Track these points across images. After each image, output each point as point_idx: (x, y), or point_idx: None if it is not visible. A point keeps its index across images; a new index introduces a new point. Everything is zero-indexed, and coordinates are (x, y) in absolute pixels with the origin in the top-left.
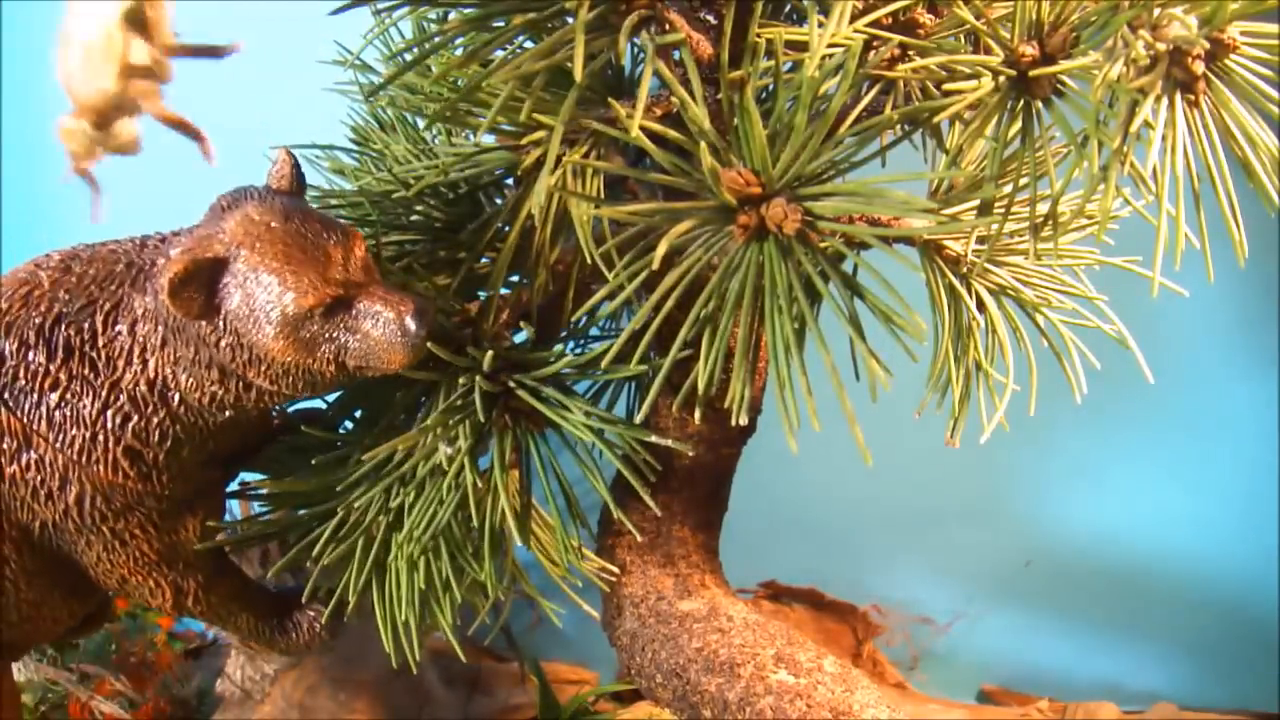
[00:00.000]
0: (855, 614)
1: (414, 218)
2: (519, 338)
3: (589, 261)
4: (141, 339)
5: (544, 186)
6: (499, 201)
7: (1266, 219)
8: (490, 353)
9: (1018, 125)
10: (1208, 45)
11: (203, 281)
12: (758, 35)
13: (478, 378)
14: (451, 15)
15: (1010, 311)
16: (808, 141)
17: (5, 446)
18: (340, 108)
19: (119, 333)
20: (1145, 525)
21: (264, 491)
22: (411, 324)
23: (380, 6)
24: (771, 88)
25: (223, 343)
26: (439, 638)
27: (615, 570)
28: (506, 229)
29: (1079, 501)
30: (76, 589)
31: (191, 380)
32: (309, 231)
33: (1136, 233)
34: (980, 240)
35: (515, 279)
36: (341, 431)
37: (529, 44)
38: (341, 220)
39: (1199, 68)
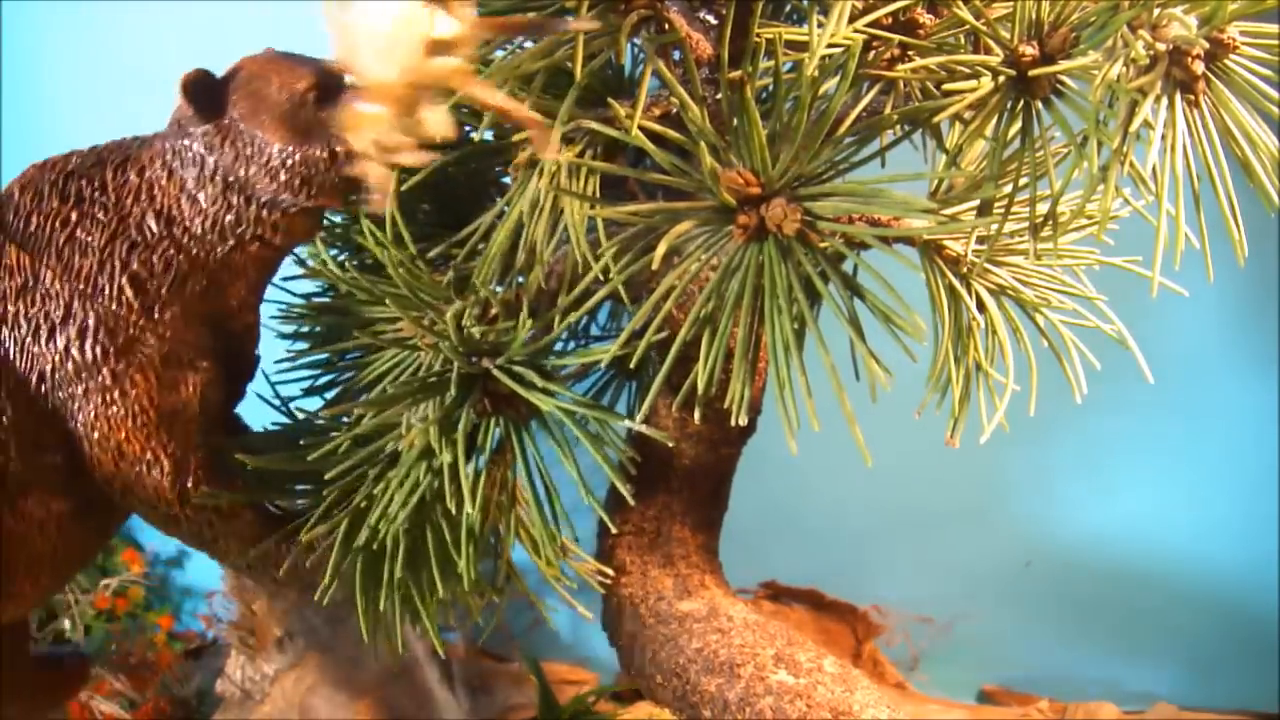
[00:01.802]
0: (855, 614)
1: (417, 215)
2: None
3: (579, 261)
4: (149, 179)
5: (535, 185)
6: (497, 200)
7: (1266, 219)
8: (452, 316)
9: (1017, 125)
10: (1207, 45)
11: (210, 86)
12: (757, 35)
13: (443, 344)
14: None
15: (1010, 311)
16: (807, 142)
17: (11, 284)
18: None
19: (128, 178)
20: (1145, 525)
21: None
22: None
23: None
24: (771, 88)
25: (226, 143)
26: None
27: (610, 572)
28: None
29: (1079, 501)
30: (71, 484)
31: (195, 205)
32: (298, 55)
33: (1136, 233)
34: (980, 240)
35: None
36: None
37: (529, 44)
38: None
39: (1199, 68)
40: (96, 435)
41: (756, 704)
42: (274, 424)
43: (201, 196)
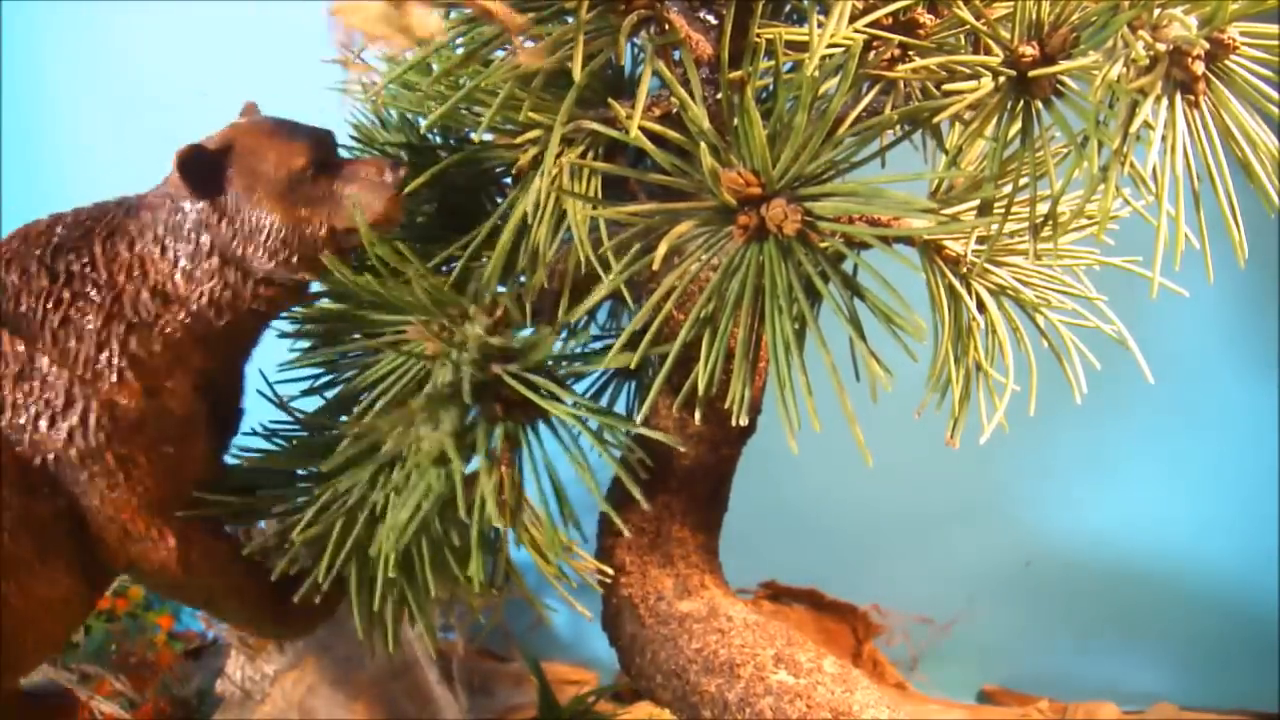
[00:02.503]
0: (855, 614)
1: (417, 217)
2: (519, 337)
3: (581, 261)
4: (140, 253)
5: (537, 186)
6: (499, 200)
7: (1266, 219)
8: (475, 331)
9: (1018, 125)
10: (1208, 46)
11: (205, 162)
12: (758, 35)
13: (463, 357)
14: (452, 14)
15: (1010, 312)
16: (808, 142)
17: (7, 371)
18: (341, 107)
19: (118, 252)
20: (1145, 525)
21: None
22: (389, 174)
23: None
24: (771, 88)
25: (223, 221)
26: (440, 638)
27: (610, 571)
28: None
29: (1079, 501)
30: (76, 560)
31: (190, 281)
32: (289, 124)
33: (1136, 233)
34: (980, 240)
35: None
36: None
37: (529, 44)
38: None
39: (1199, 68)
40: (102, 517)
41: (756, 704)
42: (272, 422)
43: (198, 273)
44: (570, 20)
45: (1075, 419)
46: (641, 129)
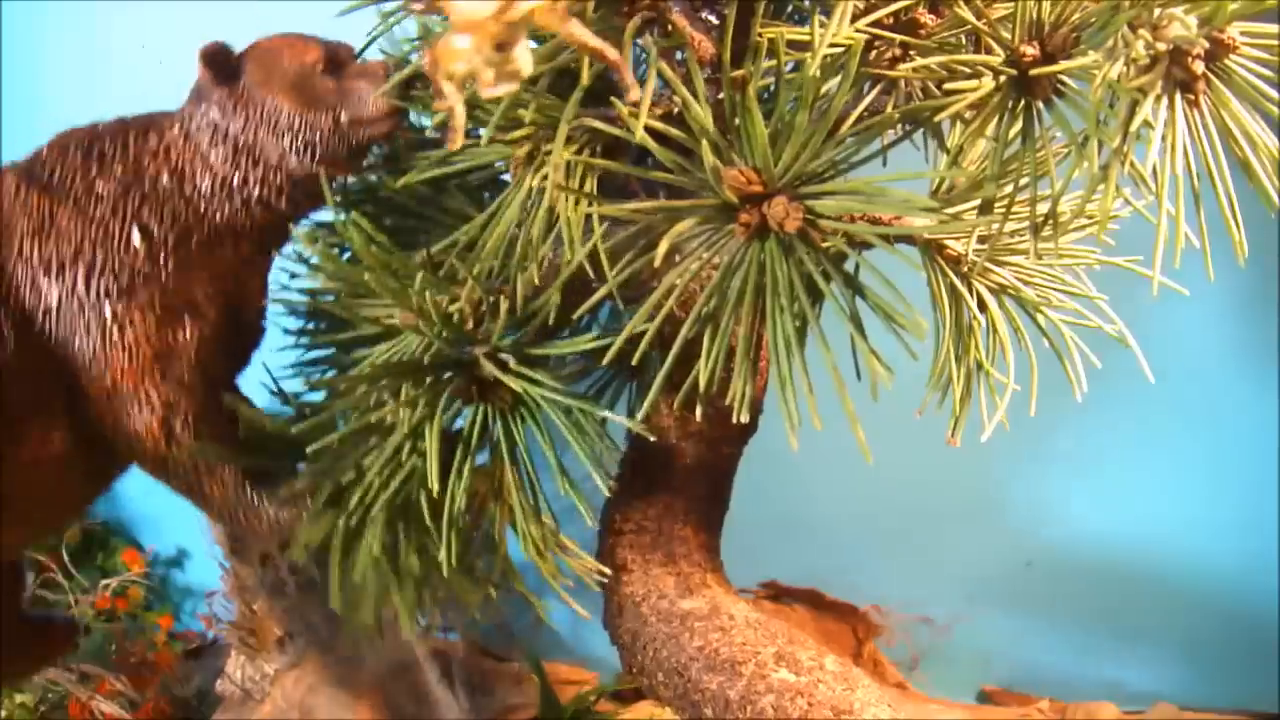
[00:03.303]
0: (856, 614)
1: (415, 213)
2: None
3: (570, 260)
4: (167, 141)
5: (529, 184)
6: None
7: (1266, 219)
8: (445, 310)
9: (1018, 125)
10: (1207, 45)
11: (227, 56)
12: (759, 35)
13: (427, 327)
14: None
15: (1011, 311)
16: (809, 140)
17: (29, 223)
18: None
19: (148, 140)
20: (1145, 525)
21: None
22: (392, 73)
23: (386, 7)
24: (773, 87)
25: (239, 108)
26: (439, 638)
27: (607, 570)
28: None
29: (1079, 501)
30: (69, 419)
31: (206, 165)
32: (306, 35)
33: (1136, 233)
34: (981, 240)
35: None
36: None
37: (532, 45)
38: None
39: (1199, 68)
40: (94, 369)
41: (758, 702)
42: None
43: (213, 156)
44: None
45: (1076, 418)
46: (644, 127)
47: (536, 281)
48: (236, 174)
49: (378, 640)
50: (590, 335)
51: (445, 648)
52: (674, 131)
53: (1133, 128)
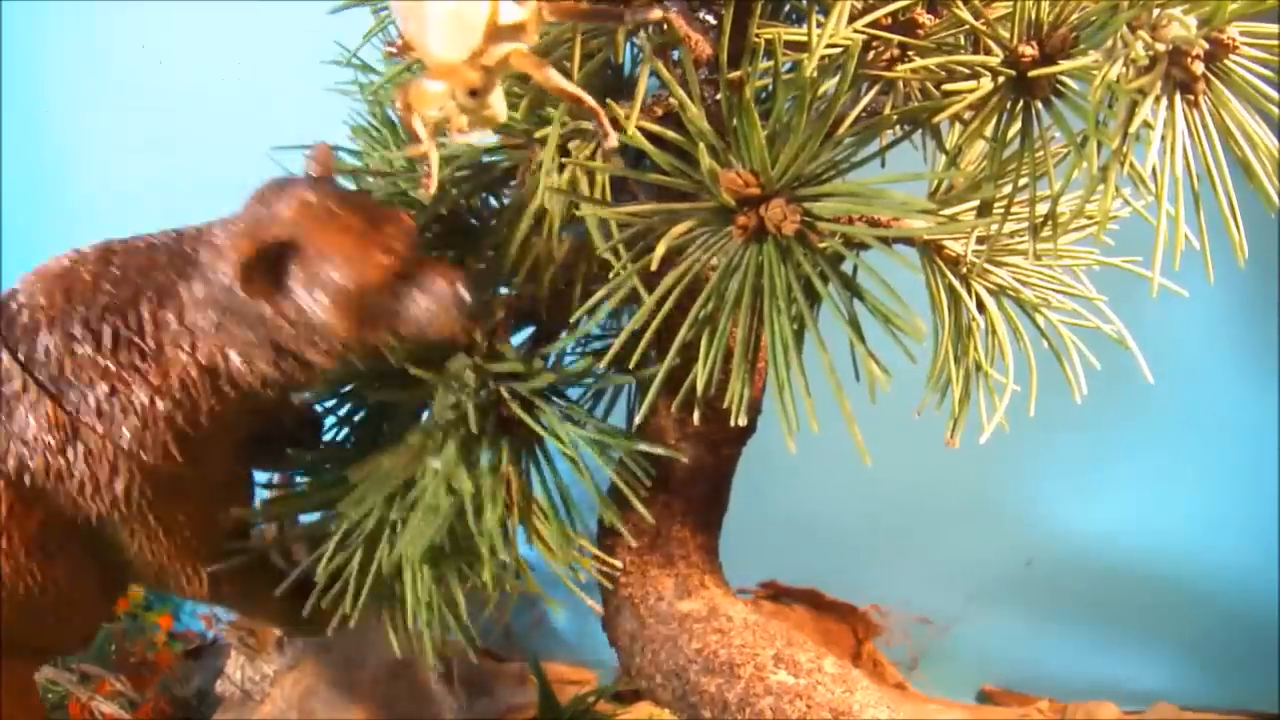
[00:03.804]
0: (855, 614)
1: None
2: (517, 340)
3: (593, 261)
4: (191, 325)
5: (544, 186)
6: (496, 204)
7: (1266, 219)
8: (469, 368)
9: (1017, 126)
10: (1207, 45)
11: (268, 262)
12: (757, 35)
13: (465, 393)
14: None
15: (1010, 312)
16: (807, 142)
17: (52, 440)
18: (341, 107)
19: (168, 321)
20: (1145, 525)
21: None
22: (464, 292)
23: (380, 6)
24: (771, 88)
25: (283, 322)
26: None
27: (618, 565)
28: (505, 229)
29: (1079, 501)
30: (108, 585)
31: (244, 363)
32: (364, 211)
33: (1136, 233)
34: (980, 241)
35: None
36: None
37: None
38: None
39: (1198, 68)
40: (139, 563)
41: (756, 704)
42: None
43: (253, 359)
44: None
45: (1075, 419)
46: (640, 129)
47: (550, 287)
48: (276, 374)
49: (376, 640)
50: (617, 365)
51: (446, 648)
52: (670, 134)
53: (1132, 128)
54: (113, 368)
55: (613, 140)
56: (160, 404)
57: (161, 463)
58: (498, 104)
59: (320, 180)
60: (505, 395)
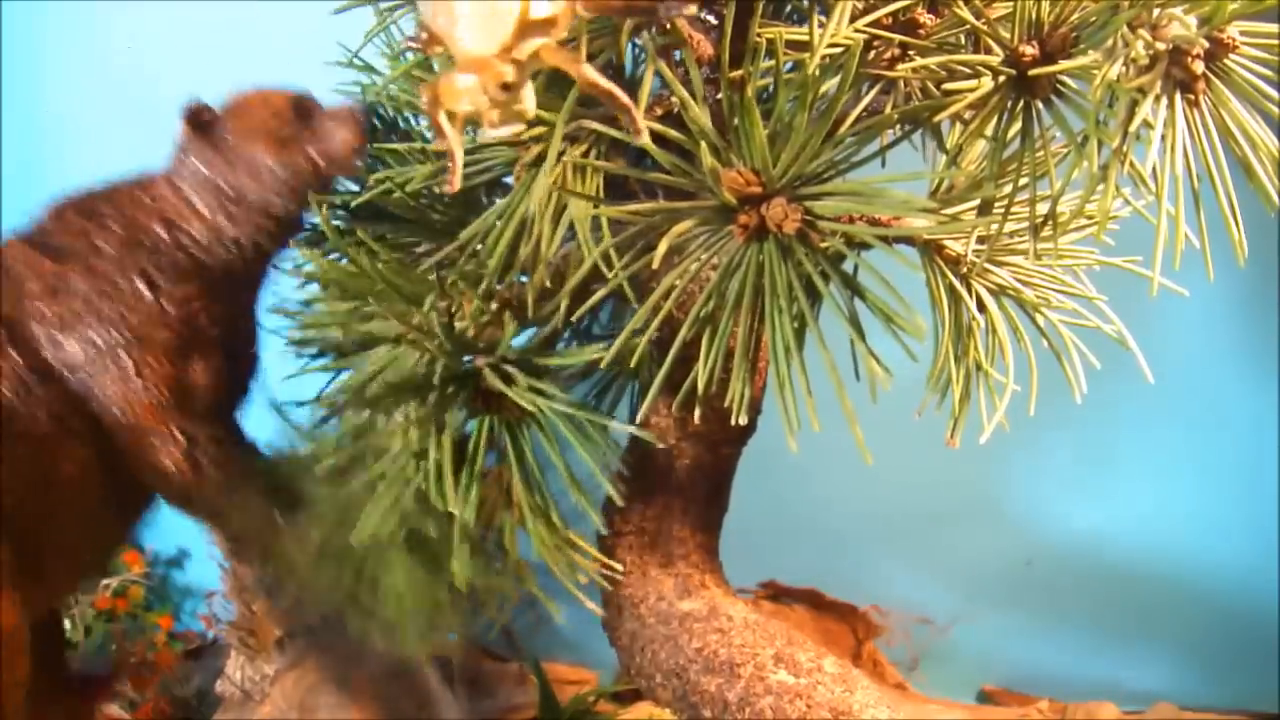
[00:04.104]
0: (855, 614)
1: (414, 215)
2: (518, 340)
3: (586, 264)
4: (156, 195)
5: (543, 184)
6: (498, 200)
7: (1266, 219)
8: (442, 313)
9: (1017, 125)
10: (1207, 45)
11: (207, 114)
12: (758, 35)
13: (430, 343)
14: None
15: (1010, 311)
16: (808, 141)
17: (41, 287)
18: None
19: (136, 195)
20: (1145, 525)
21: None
22: (358, 113)
23: (382, 5)
24: (772, 88)
25: (221, 160)
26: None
27: (618, 567)
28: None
29: (1079, 501)
30: (96, 445)
31: (196, 214)
32: (270, 93)
33: (1136, 233)
34: (980, 240)
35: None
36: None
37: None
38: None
39: (1198, 67)
40: (118, 414)
41: (756, 704)
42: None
43: (200, 205)
44: None
45: (1075, 419)
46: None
47: (548, 283)
48: (225, 219)
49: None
50: (598, 346)
51: (445, 648)
52: (672, 133)
53: (1132, 128)
54: (92, 229)
55: (645, 136)
56: (129, 250)
57: (134, 302)
58: (528, 98)
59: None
60: (483, 368)
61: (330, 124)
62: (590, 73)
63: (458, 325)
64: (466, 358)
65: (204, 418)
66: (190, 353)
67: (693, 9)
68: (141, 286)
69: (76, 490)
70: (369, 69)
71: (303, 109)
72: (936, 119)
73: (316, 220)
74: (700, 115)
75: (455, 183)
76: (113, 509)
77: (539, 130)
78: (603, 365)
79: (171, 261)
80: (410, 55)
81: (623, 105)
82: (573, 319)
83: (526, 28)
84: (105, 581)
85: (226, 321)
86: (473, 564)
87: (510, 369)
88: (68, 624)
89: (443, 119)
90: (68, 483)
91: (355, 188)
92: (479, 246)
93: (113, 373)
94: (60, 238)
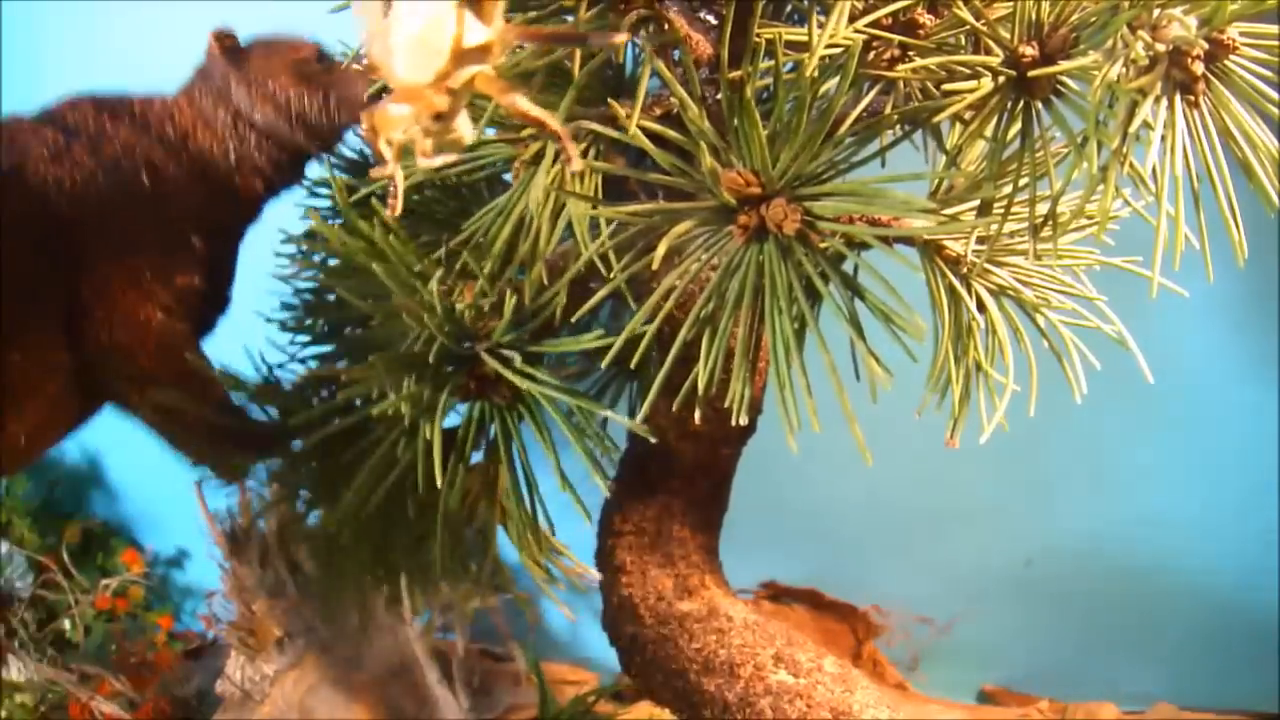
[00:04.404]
0: (855, 614)
1: (413, 211)
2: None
3: (581, 260)
4: (171, 105)
5: (541, 183)
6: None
7: (1266, 219)
8: (443, 292)
9: (1017, 126)
10: (1207, 46)
11: (235, 41)
12: (757, 35)
13: (431, 321)
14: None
15: (1010, 312)
16: (807, 142)
17: (46, 151)
18: None
19: (153, 102)
20: (1145, 525)
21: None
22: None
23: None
24: (771, 88)
25: (240, 83)
26: (440, 638)
27: (596, 574)
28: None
29: (1079, 501)
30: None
31: (208, 128)
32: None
33: (1136, 233)
34: (980, 240)
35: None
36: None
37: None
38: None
39: (1198, 68)
40: (100, 281)
41: (756, 704)
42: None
43: (215, 120)
44: (569, 19)
45: (1075, 419)
46: (642, 129)
47: (545, 280)
48: (234, 137)
49: (377, 640)
50: (594, 334)
51: (445, 648)
52: (671, 133)
53: (1132, 128)
54: (106, 117)
55: (577, 164)
56: (138, 138)
57: (132, 181)
58: (463, 127)
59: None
60: (479, 351)
61: (350, 75)
62: (521, 102)
63: (457, 307)
64: (466, 343)
65: (180, 311)
66: (180, 251)
67: (621, 39)
68: (144, 174)
69: (45, 355)
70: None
71: (326, 56)
72: (936, 119)
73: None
74: (699, 116)
75: (397, 208)
76: (76, 382)
77: (535, 129)
78: (603, 364)
79: (177, 161)
80: None
81: (554, 133)
82: (572, 319)
83: (461, 56)
84: (105, 581)
85: (214, 246)
86: (453, 556)
87: (508, 354)
88: (67, 624)
89: (382, 145)
90: (38, 347)
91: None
92: (480, 240)
93: (105, 244)
94: (70, 116)
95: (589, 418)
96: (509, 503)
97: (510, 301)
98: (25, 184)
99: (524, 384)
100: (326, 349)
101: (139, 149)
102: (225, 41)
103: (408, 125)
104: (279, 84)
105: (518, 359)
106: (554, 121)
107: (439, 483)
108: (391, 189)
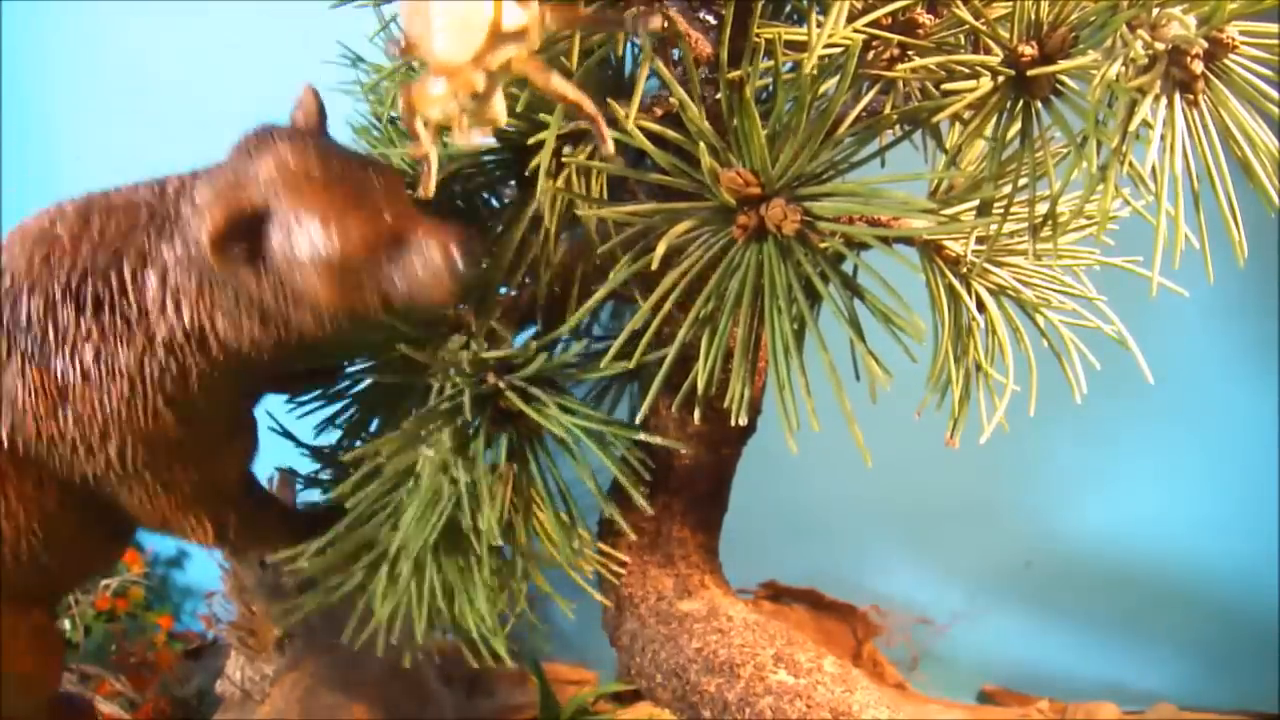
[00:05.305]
0: (855, 614)
1: None
2: (519, 340)
3: (594, 261)
4: (174, 288)
5: (545, 187)
6: (494, 202)
7: (1266, 219)
8: (466, 352)
9: (1017, 125)
10: (1206, 45)
11: (244, 231)
12: (757, 35)
13: (460, 378)
14: None
15: (1010, 312)
16: (807, 141)
17: (41, 406)
18: (343, 106)
19: (149, 284)
20: (1145, 525)
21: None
22: (457, 256)
23: (385, 3)
24: (771, 88)
25: (266, 290)
26: (439, 638)
27: (624, 559)
28: (504, 229)
29: (1079, 501)
30: (116, 532)
31: (231, 327)
32: (347, 171)
33: (1136, 233)
34: (980, 240)
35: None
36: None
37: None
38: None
39: (1198, 67)
40: (142, 514)
41: (756, 704)
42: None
43: (237, 321)
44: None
45: (1075, 419)
46: (641, 129)
47: (555, 288)
48: (265, 338)
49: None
50: (615, 360)
51: (445, 647)
52: (671, 133)
53: (1131, 128)
54: (95, 333)
55: (610, 147)
56: (147, 367)
57: (152, 426)
58: (499, 107)
59: (304, 134)
60: (503, 386)
61: (419, 261)
62: (558, 83)
63: (475, 351)
64: (487, 381)
65: (231, 500)
66: (217, 450)
67: (658, 23)
68: (165, 412)
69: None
70: (372, 67)
71: (396, 239)
72: (936, 119)
73: None
74: (699, 116)
75: (430, 188)
76: (116, 539)
77: (544, 134)
78: (602, 364)
79: (199, 378)
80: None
81: (590, 115)
82: (570, 323)
83: (498, 37)
84: (105, 581)
85: (254, 385)
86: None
87: (533, 390)
88: (67, 624)
89: (418, 124)
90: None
91: None
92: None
93: (135, 489)
94: (51, 337)
95: (620, 439)
96: (544, 514)
97: (536, 353)
98: (25, 457)
99: (556, 425)
100: (335, 406)
101: (149, 382)
102: (236, 230)
103: (444, 103)
104: (319, 296)
105: (543, 395)
106: (589, 104)
107: (482, 523)
108: (425, 169)
